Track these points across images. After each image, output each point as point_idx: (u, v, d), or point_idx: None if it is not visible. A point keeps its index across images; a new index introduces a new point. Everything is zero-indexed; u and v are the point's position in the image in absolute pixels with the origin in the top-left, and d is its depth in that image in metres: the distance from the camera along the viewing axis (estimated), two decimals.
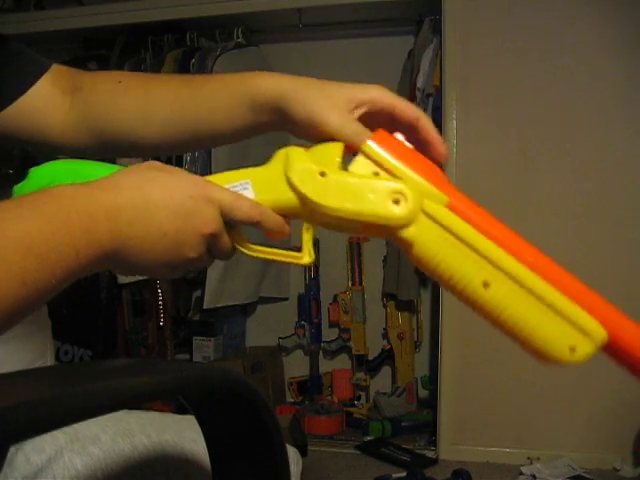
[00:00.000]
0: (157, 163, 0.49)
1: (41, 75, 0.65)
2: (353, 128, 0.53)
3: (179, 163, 2.32)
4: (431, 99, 2.26)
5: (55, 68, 0.68)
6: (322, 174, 0.50)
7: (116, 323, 2.64)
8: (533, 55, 2.14)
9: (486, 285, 0.46)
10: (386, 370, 2.71)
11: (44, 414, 0.32)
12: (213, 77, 0.61)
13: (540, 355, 0.47)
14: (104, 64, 2.62)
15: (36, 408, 0.31)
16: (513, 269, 0.47)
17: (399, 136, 0.54)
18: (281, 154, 0.54)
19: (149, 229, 0.45)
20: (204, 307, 2.32)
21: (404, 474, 1.99)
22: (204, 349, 2.64)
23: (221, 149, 2.30)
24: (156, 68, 2.43)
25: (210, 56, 2.37)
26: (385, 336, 2.68)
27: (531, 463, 2.07)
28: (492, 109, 2.19)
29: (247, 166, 0.56)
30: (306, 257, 0.55)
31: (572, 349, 0.46)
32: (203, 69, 2.35)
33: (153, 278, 0.48)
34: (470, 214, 0.50)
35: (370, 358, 2.69)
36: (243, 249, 0.54)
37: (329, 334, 2.76)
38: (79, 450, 0.59)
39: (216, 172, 2.14)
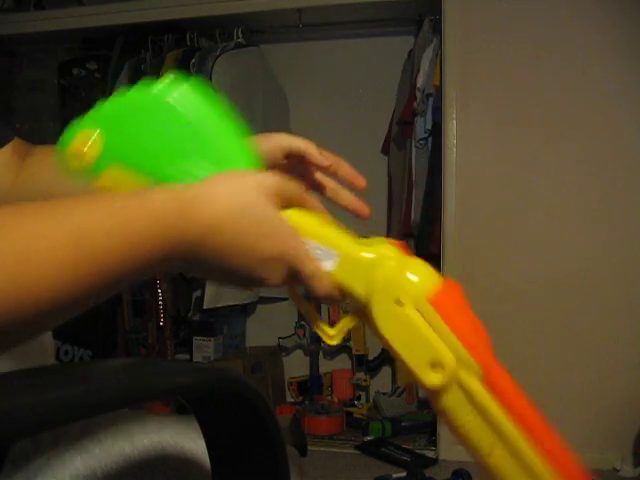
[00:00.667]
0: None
1: (6, 144, 0.68)
2: None
3: None
4: (431, 99, 2.26)
5: (16, 140, 0.70)
6: (399, 303, 0.48)
7: (116, 323, 2.64)
8: (533, 55, 2.14)
9: (489, 454, 0.50)
10: (386, 370, 2.71)
11: (43, 414, 0.32)
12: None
13: None
14: (104, 64, 2.62)
15: (35, 408, 0.31)
16: (518, 447, 0.49)
17: (459, 291, 0.52)
18: (381, 256, 0.51)
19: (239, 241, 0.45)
20: (204, 307, 2.32)
21: (404, 474, 1.99)
22: (204, 349, 2.64)
23: None
24: (156, 68, 2.43)
25: (210, 56, 2.37)
26: None
27: None
28: (492, 109, 2.19)
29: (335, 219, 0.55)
30: (335, 339, 0.55)
31: None
32: (203, 69, 2.35)
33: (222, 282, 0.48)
34: (500, 388, 0.48)
35: (370, 358, 2.69)
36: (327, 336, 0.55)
37: None
38: (79, 449, 0.59)
39: None
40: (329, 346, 2.74)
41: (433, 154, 2.32)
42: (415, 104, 2.28)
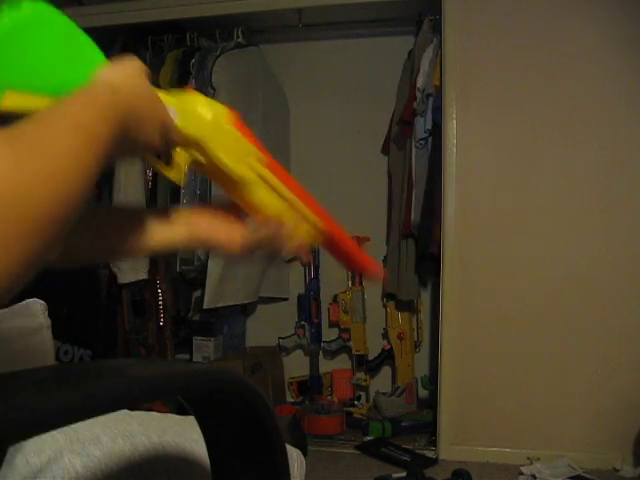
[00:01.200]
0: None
1: None
2: None
3: None
4: (431, 99, 2.26)
5: None
6: (220, 130, 0.66)
7: (116, 323, 2.64)
8: (533, 54, 2.14)
9: (282, 215, 0.71)
10: (386, 370, 2.71)
11: (43, 415, 0.32)
12: None
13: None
14: None
15: (35, 409, 0.31)
16: (300, 208, 0.72)
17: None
18: (195, 99, 0.67)
19: (139, 108, 0.59)
20: (204, 307, 2.32)
21: (404, 474, 1.99)
22: (204, 349, 2.64)
23: None
24: (156, 68, 2.43)
25: (210, 56, 2.37)
26: (385, 336, 2.68)
27: (531, 463, 2.07)
28: (492, 109, 2.19)
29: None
30: (174, 173, 0.67)
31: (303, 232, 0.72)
32: (203, 69, 2.35)
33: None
34: (279, 174, 0.71)
35: (370, 358, 2.69)
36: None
37: (329, 334, 2.76)
38: (79, 451, 0.59)
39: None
40: (328, 347, 2.74)
41: (433, 154, 2.31)
42: (415, 104, 2.28)
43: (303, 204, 0.72)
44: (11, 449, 0.56)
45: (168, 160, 0.68)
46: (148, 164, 0.70)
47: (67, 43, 0.59)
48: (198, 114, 0.66)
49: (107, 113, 0.52)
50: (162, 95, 0.65)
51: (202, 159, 0.67)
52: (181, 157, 0.67)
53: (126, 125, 0.55)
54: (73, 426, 0.61)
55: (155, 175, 2.42)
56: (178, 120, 0.65)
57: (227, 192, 0.71)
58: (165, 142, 0.63)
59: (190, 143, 0.66)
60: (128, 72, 0.61)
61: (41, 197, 0.39)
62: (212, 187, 2.30)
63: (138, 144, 0.60)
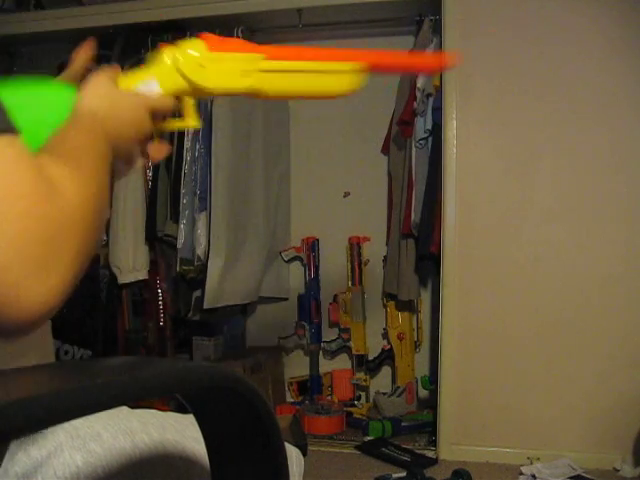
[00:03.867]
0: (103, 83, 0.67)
1: None
2: None
3: (179, 163, 2.32)
4: (431, 99, 2.26)
5: None
6: (202, 65, 0.70)
7: (116, 323, 2.64)
8: (534, 55, 2.14)
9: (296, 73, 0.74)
10: (386, 370, 2.71)
11: (43, 410, 0.32)
12: None
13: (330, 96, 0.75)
14: (104, 64, 2.61)
15: (35, 404, 0.31)
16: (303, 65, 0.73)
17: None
18: (166, 56, 0.70)
19: (118, 120, 0.64)
20: (204, 307, 2.32)
21: (404, 474, 1.99)
22: (204, 349, 2.64)
23: (221, 146, 2.30)
24: None
25: None
26: (385, 336, 2.68)
27: (531, 463, 2.07)
28: (492, 109, 2.19)
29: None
30: (191, 120, 0.73)
31: (346, 84, 0.74)
32: None
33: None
34: (286, 55, 0.73)
35: (370, 358, 2.69)
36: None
37: (329, 334, 2.76)
38: (79, 447, 0.59)
39: (216, 172, 2.13)
40: (328, 347, 2.74)
41: (433, 154, 2.32)
42: (415, 104, 2.28)
43: (327, 61, 0.73)
44: (12, 444, 0.56)
45: (161, 130, 0.72)
46: (162, 131, 0.73)
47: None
48: (168, 67, 0.70)
49: (100, 134, 0.58)
50: (138, 74, 0.70)
51: (205, 95, 0.72)
52: (187, 104, 0.72)
53: (115, 134, 0.61)
54: (73, 422, 0.61)
55: (155, 175, 2.42)
56: (159, 88, 0.69)
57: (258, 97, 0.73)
58: (155, 123, 0.68)
59: (183, 95, 0.71)
60: (99, 92, 0.65)
61: (87, 219, 0.47)
62: (212, 186, 2.30)
63: (130, 142, 0.65)
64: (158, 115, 0.70)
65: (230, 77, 0.70)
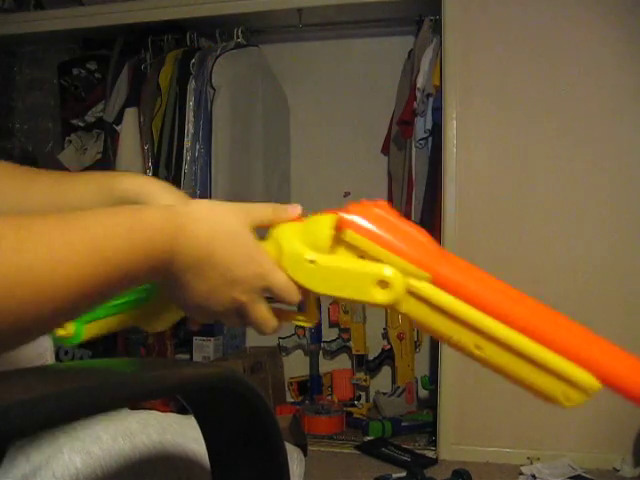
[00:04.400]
0: (231, 218, 0.51)
1: None
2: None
3: (179, 163, 2.32)
4: (431, 99, 2.26)
5: None
6: (312, 262, 0.52)
7: None
8: (534, 55, 2.14)
9: (478, 348, 0.49)
10: (386, 370, 2.71)
11: (42, 412, 0.32)
12: (82, 177, 0.66)
13: (544, 399, 0.51)
14: (104, 64, 2.62)
15: (35, 406, 0.31)
16: (500, 335, 0.48)
17: (378, 210, 0.53)
18: (273, 236, 0.55)
19: (201, 273, 0.49)
20: None
21: (404, 474, 1.99)
22: (204, 349, 2.64)
23: (221, 146, 2.30)
24: (156, 68, 2.43)
25: (210, 56, 2.37)
26: (385, 336, 2.68)
27: (531, 463, 2.07)
28: (492, 109, 2.19)
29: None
30: (312, 320, 0.58)
31: (567, 398, 0.49)
32: (203, 69, 2.35)
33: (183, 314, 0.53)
34: (455, 285, 0.49)
35: (370, 358, 2.69)
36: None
37: (329, 334, 2.76)
38: (79, 449, 0.59)
39: (216, 172, 2.13)
40: (328, 346, 2.74)
41: (433, 154, 2.32)
42: (415, 104, 2.28)
43: (550, 349, 0.47)
44: (12, 447, 0.56)
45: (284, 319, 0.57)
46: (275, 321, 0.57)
47: None
48: (288, 253, 0.53)
49: (150, 251, 0.45)
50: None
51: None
52: (311, 298, 0.56)
53: (179, 276, 0.47)
54: (73, 425, 0.61)
55: (155, 175, 2.42)
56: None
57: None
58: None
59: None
60: (227, 223, 0.50)
61: (35, 285, 0.37)
62: (212, 186, 2.30)
63: (229, 301, 0.51)
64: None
65: (356, 285, 0.50)
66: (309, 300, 0.57)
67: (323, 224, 0.53)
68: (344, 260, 0.51)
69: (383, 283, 0.49)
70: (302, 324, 0.59)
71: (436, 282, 0.48)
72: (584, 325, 0.49)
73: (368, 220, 0.51)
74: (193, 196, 2.37)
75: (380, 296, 0.49)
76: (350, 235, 0.51)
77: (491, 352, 0.49)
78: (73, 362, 2.24)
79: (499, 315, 0.48)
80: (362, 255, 0.51)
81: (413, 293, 0.49)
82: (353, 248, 0.51)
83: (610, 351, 0.48)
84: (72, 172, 0.67)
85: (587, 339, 0.49)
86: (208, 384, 0.46)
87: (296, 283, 0.53)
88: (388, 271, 0.49)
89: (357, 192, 2.75)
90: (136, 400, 0.41)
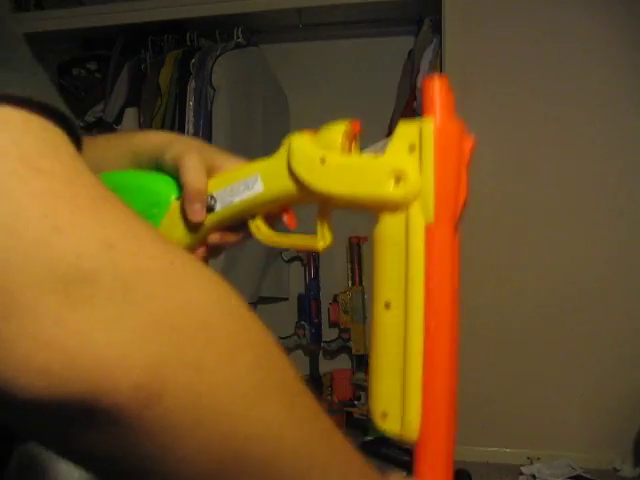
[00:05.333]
0: None
1: None
2: (198, 174, 0.57)
3: None
4: None
5: None
6: (322, 160, 0.50)
7: None
8: (534, 55, 2.14)
9: (387, 307, 0.46)
10: None
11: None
12: (106, 137, 0.67)
13: (367, 408, 0.48)
14: (104, 64, 2.62)
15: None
16: (414, 321, 0.45)
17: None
18: (286, 143, 0.55)
19: None
20: None
21: (404, 474, 1.98)
22: None
23: (221, 146, 2.30)
24: (156, 68, 2.43)
25: (210, 56, 2.37)
26: None
27: (531, 463, 2.07)
28: (493, 109, 2.19)
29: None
30: (320, 241, 0.55)
31: (383, 419, 0.50)
32: (203, 69, 2.35)
33: None
34: (434, 252, 0.44)
35: None
36: (260, 237, 0.57)
37: (329, 334, 2.76)
38: None
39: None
40: (329, 345, 2.74)
41: None
42: (415, 104, 2.28)
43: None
44: (18, 446, 0.56)
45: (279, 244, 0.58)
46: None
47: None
48: (279, 162, 0.53)
49: None
50: (245, 168, 0.56)
51: (317, 202, 0.53)
52: (319, 220, 0.56)
53: None
54: None
55: None
56: (259, 187, 0.54)
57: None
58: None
59: (288, 201, 0.55)
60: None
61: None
62: None
63: None
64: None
65: (371, 178, 0.47)
66: (322, 219, 0.55)
67: (336, 127, 0.53)
68: (358, 156, 0.50)
69: (400, 177, 0.45)
70: (316, 247, 0.55)
71: (428, 231, 0.44)
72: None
73: (451, 142, 0.49)
74: None
75: (394, 190, 0.46)
76: (428, 128, 0.46)
77: (391, 322, 0.46)
78: None
79: (430, 301, 0.44)
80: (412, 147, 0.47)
81: (408, 217, 0.46)
82: (403, 142, 0.46)
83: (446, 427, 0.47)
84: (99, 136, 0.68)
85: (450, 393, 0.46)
86: None
87: (308, 188, 0.50)
88: (408, 166, 0.45)
89: None
90: None
